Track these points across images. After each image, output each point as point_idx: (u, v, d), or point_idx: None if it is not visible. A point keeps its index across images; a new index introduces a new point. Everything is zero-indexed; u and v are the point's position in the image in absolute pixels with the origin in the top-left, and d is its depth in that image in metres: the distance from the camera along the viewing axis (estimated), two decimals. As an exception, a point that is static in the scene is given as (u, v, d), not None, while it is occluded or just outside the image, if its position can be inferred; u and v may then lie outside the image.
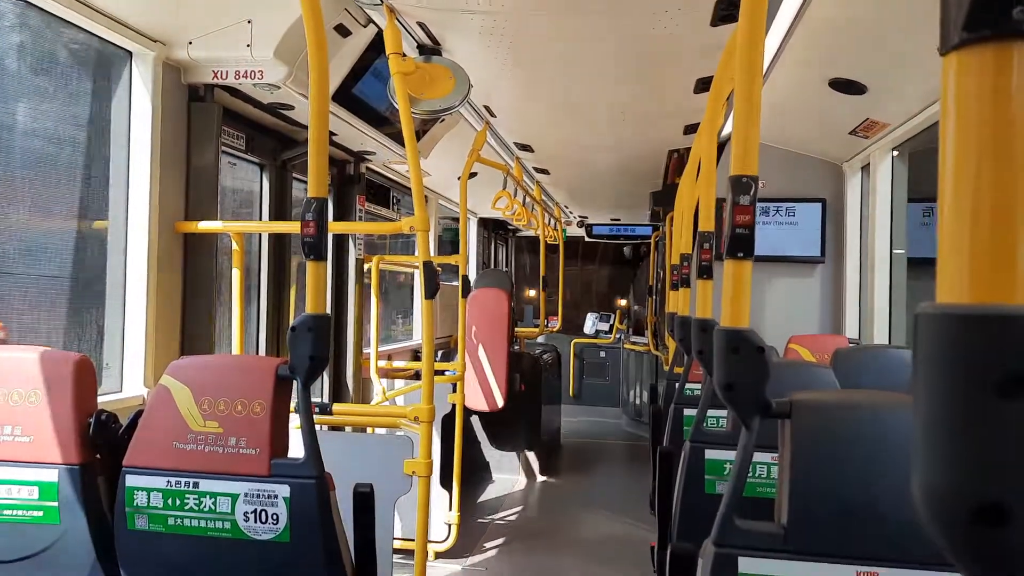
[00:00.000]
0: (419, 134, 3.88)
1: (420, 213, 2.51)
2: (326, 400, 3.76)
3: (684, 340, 3.08)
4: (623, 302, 10.54)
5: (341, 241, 3.96)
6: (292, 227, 3.02)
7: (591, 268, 11.28)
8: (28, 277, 2.50)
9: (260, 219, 3.46)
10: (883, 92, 3.29)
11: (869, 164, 4.15)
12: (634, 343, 8.34)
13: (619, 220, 8.84)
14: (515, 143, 4.75)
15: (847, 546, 1.20)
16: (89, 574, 1.63)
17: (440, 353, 5.51)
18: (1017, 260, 0.41)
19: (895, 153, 3.99)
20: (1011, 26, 0.41)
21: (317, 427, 1.67)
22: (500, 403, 5.06)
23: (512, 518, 4.81)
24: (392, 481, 2.48)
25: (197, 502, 1.57)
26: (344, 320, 3.94)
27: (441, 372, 4.05)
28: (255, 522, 1.55)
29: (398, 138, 3.60)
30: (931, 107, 3.24)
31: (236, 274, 2.88)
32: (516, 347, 6.11)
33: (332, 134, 3.43)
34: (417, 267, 2.69)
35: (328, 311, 1.71)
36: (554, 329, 7.97)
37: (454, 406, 3.98)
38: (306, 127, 1.72)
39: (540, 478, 5.88)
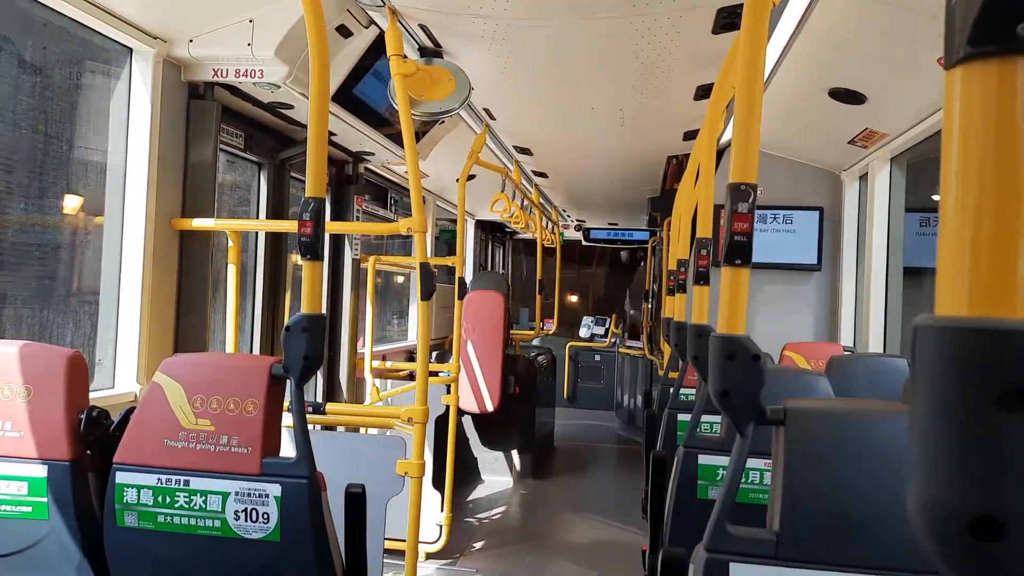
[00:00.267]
0: (418, 135, 3.87)
1: (418, 214, 2.51)
2: (320, 399, 3.76)
3: (680, 345, 3.09)
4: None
5: (338, 241, 3.95)
6: (289, 226, 3.01)
7: (587, 272, 11.29)
8: (21, 271, 2.49)
9: (257, 217, 3.46)
10: (882, 102, 3.31)
11: (867, 173, 4.16)
12: (629, 347, 8.35)
13: (617, 224, 8.84)
14: (514, 146, 4.75)
15: (839, 554, 1.20)
16: (77, 571, 1.62)
17: (435, 354, 5.50)
18: (1018, 274, 0.41)
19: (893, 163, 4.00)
20: (1016, 42, 0.41)
21: (310, 426, 1.67)
22: (494, 405, 5.06)
23: (504, 520, 4.80)
24: (384, 481, 2.47)
25: (187, 500, 1.56)
26: (339, 320, 3.94)
27: (435, 373, 4.05)
28: (246, 521, 1.55)
29: (397, 139, 3.60)
30: (930, 118, 3.25)
31: (232, 272, 2.88)
32: (511, 350, 6.11)
33: (331, 134, 3.42)
34: (414, 268, 2.69)
35: (324, 311, 1.70)
36: (550, 332, 7.97)
37: (448, 407, 3.98)
38: (305, 126, 1.72)
39: (533, 481, 5.88)
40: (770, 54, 2.99)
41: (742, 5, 1.31)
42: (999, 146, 0.42)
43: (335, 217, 3.95)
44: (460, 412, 4.07)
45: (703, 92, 3.31)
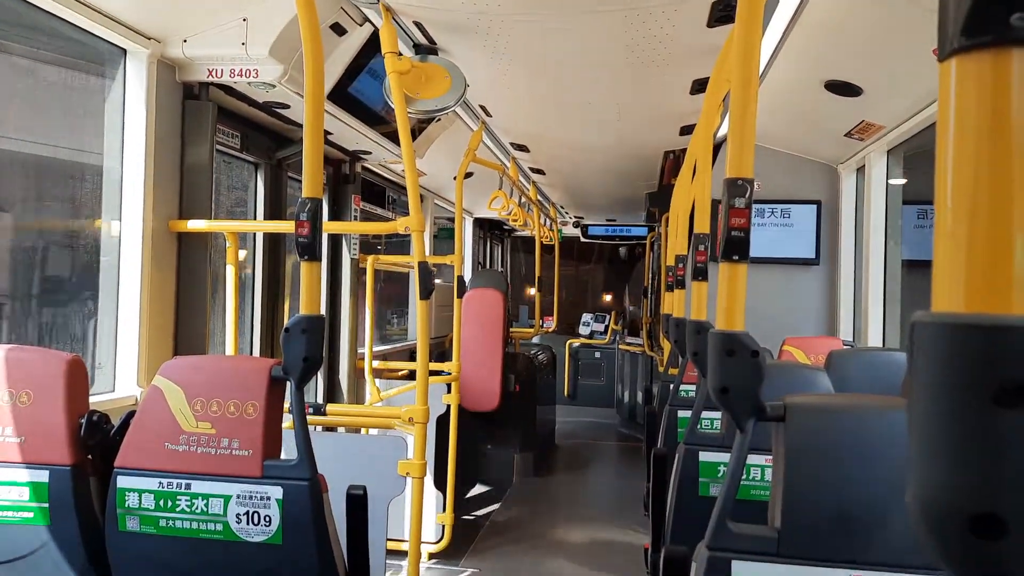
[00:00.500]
0: (415, 133, 3.87)
1: (416, 213, 2.51)
2: (320, 400, 3.76)
3: (679, 342, 3.08)
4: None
5: (336, 241, 3.95)
6: (287, 226, 3.01)
7: (586, 268, 11.28)
8: (20, 275, 2.48)
9: (255, 218, 3.45)
10: (878, 94, 3.30)
11: (864, 166, 4.15)
12: (629, 344, 8.35)
13: (615, 221, 8.84)
14: (511, 143, 4.74)
15: (841, 550, 1.19)
16: None
17: (435, 353, 5.50)
18: (1014, 269, 0.41)
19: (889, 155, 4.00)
20: (1010, 32, 0.41)
21: (311, 428, 1.66)
22: (495, 404, 5.06)
23: (506, 519, 4.80)
24: (386, 482, 2.47)
25: (189, 503, 1.56)
26: (339, 320, 3.93)
27: (436, 372, 4.05)
28: (247, 524, 1.54)
29: (394, 137, 3.59)
30: (926, 109, 3.25)
31: (230, 273, 2.87)
32: (511, 347, 6.11)
33: (327, 133, 3.42)
34: (412, 267, 2.69)
35: (323, 311, 1.70)
36: (549, 330, 7.97)
37: (449, 406, 3.97)
38: (301, 126, 1.72)
39: (534, 479, 5.88)
40: (765, 47, 2.98)
41: None
42: (994, 139, 0.42)
43: (333, 217, 3.94)
44: (461, 411, 4.07)
45: (699, 86, 3.30)
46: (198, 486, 1.56)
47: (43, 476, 1.59)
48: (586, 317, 9.01)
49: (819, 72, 3.25)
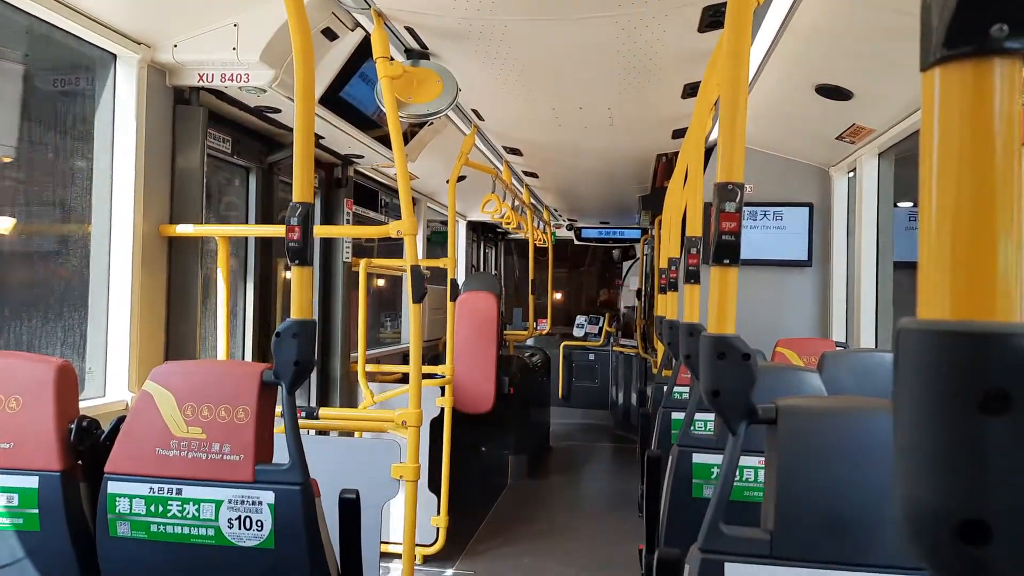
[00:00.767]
0: (407, 137, 3.86)
1: (408, 217, 2.51)
2: (313, 404, 3.75)
3: (672, 344, 3.09)
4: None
5: (329, 244, 3.94)
6: (278, 231, 3.00)
7: (580, 271, 11.29)
8: (9, 281, 2.47)
9: (246, 222, 3.44)
10: (869, 98, 3.32)
11: (855, 169, 4.18)
12: (623, 346, 8.36)
13: (608, 223, 8.85)
14: (504, 147, 4.75)
15: (833, 552, 1.20)
16: None
17: (429, 356, 5.49)
18: (997, 277, 0.41)
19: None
20: (990, 43, 0.41)
21: (304, 432, 1.66)
22: (489, 406, 5.05)
23: (500, 521, 4.80)
24: (379, 485, 2.47)
25: (180, 509, 1.55)
26: (332, 324, 3.92)
27: (430, 375, 4.05)
28: (239, 529, 1.54)
29: (386, 141, 3.59)
30: (916, 113, 3.27)
31: (221, 278, 2.86)
32: (505, 350, 6.11)
33: (319, 137, 3.41)
34: (405, 270, 2.68)
35: (315, 315, 1.70)
36: (543, 332, 7.97)
37: (442, 409, 3.97)
38: (292, 130, 1.72)
39: (528, 481, 5.88)
40: (756, 52, 3.00)
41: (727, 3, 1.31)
42: (976, 147, 0.42)
43: (325, 221, 3.94)
44: (455, 414, 4.07)
45: (691, 90, 3.31)
46: (189, 491, 1.55)
47: (33, 482, 1.59)
48: (580, 319, 9.01)
49: (810, 76, 3.26)
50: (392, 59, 2.55)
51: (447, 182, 4.01)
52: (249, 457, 1.55)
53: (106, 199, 2.54)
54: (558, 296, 10.72)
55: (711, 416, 2.34)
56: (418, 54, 2.89)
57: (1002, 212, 0.41)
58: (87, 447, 1.65)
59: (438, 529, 3.89)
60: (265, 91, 2.66)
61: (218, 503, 1.54)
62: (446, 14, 2.51)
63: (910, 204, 4.15)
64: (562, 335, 8.82)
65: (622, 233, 8.93)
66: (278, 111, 3.00)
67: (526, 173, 5.72)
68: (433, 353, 5.73)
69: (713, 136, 3.98)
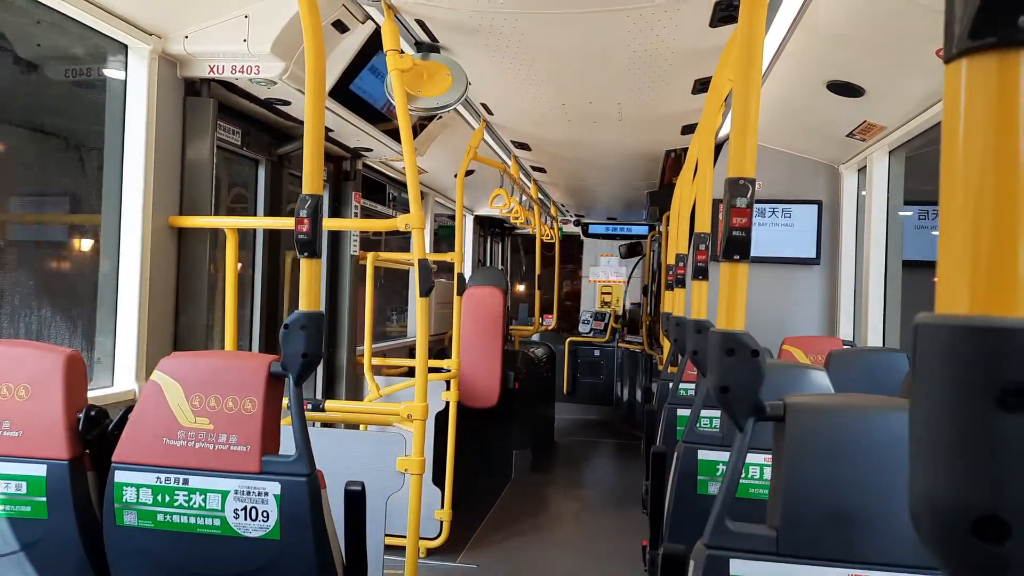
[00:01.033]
0: (416, 131, 3.86)
1: (416, 211, 2.50)
2: (319, 397, 3.75)
3: (679, 341, 3.09)
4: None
5: (337, 237, 3.95)
6: (287, 223, 3.00)
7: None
8: (20, 271, 2.48)
9: (255, 214, 3.45)
10: (881, 95, 3.30)
11: (866, 166, 4.15)
12: (629, 342, 8.35)
13: (615, 219, 8.83)
14: (512, 141, 4.74)
15: (840, 550, 1.19)
16: (77, 570, 1.62)
17: (435, 350, 5.49)
18: (1018, 271, 0.41)
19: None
20: (1017, 34, 0.40)
21: (310, 424, 1.67)
22: (494, 401, 5.06)
23: (504, 515, 4.81)
24: (384, 478, 2.47)
25: (187, 499, 1.56)
26: (339, 317, 3.93)
27: (436, 370, 4.05)
28: (245, 519, 1.54)
29: (395, 135, 3.59)
30: (929, 110, 3.24)
31: (230, 269, 2.87)
32: (511, 345, 6.10)
33: (328, 130, 3.41)
34: (412, 264, 2.68)
35: (323, 308, 1.70)
36: (549, 327, 7.96)
37: (448, 403, 3.98)
38: (302, 123, 1.72)
39: (533, 476, 5.88)
40: (768, 47, 2.98)
41: None
42: (999, 141, 0.41)
43: (333, 214, 3.94)
44: (460, 408, 4.07)
45: (701, 86, 3.30)
46: (196, 481, 1.56)
47: (41, 470, 1.60)
48: (586, 315, 9.00)
49: (821, 73, 3.24)
50: (402, 52, 2.55)
51: (455, 176, 4.01)
52: (256, 448, 1.55)
53: (116, 190, 2.54)
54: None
55: (717, 413, 2.33)
56: (428, 47, 2.88)
57: None
58: (95, 436, 1.65)
59: (442, 522, 3.90)
60: (275, 83, 2.66)
61: (224, 493, 1.55)
62: (457, 7, 2.50)
63: (910, 213, 4.12)
64: (564, 330, 8.81)
65: (629, 229, 8.90)
66: (288, 103, 3.00)
67: (534, 168, 5.71)
68: (439, 347, 5.74)
69: (723, 132, 3.96)
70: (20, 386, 1.62)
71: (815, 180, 4.63)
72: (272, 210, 3.44)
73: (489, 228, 8.60)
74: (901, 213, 4.07)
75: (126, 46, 2.51)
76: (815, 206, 4.63)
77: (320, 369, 3.87)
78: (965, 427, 0.41)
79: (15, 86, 2.51)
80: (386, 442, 2.60)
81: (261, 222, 3.32)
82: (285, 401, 1.64)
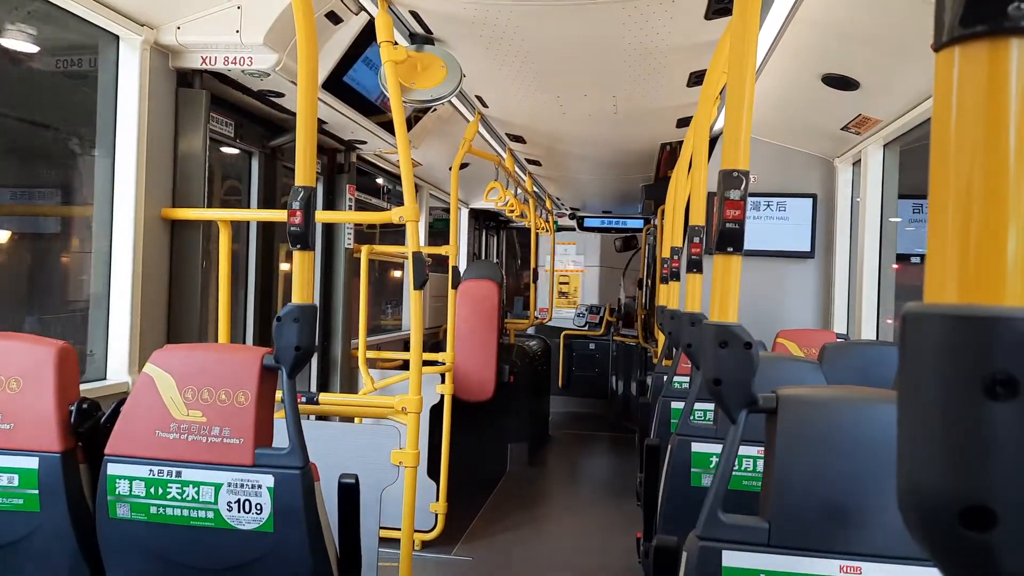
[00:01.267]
0: (410, 123, 3.85)
1: (410, 203, 2.50)
2: (313, 390, 3.75)
3: (673, 333, 3.09)
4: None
5: (331, 230, 3.94)
6: (281, 215, 2.99)
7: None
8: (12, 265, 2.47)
9: (249, 207, 3.43)
10: (876, 88, 3.30)
11: (860, 160, 4.15)
12: (624, 335, 8.36)
13: (611, 212, 8.83)
14: (507, 134, 4.73)
15: (831, 541, 1.20)
16: (70, 562, 1.62)
17: (430, 343, 5.49)
18: (1006, 260, 0.41)
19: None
20: (1008, 22, 0.40)
21: (304, 417, 1.66)
22: (489, 394, 5.07)
23: (499, 508, 4.82)
24: (379, 471, 2.47)
25: (180, 491, 1.55)
26: (333, 310, 3.92)
27: (430, 363, 4.05)
28: (238, 512, 1.54)
29: (389, 127, 3.57)
30: (924, 103, 3.25)
31: (223, 262, 2.86)
32: (506, 338, 6.10)
33: (322, 122, 3.40)
34: (407, 257, 2.68)
35: (317, 300, 1.70)
36: (544, 321, 7.97)
37: (443, 396, 3.98)
38: (296, 114, 1.71)
39: (528, 468, 5.90)
40: (763, 40, 2.97)
41: None
42: (989, 129, 0.41)
43: (327, 206, 3.93)
44: (455, 401, 4.07)
45: (696, 79, 3.29)
46: (189, 474, 1.55)
47: (33, 463, 1.59)
48: (581, 308, 9.01)
49: (816, 66, 3.24)
50: (396, 44, 2.54)
51: (450, 169, 4.00)
52: (249, 441, 1.55)
53: (108, 182, 2.53)
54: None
55: (711, 405, 2.34)
56: (422, 39, 2.87)
57: (1014, 194, 0.41)
58: (87, 429, 1.65)
59: (437, 515, 3.91)
60: (268, 75, 2.65)
61: (217, 486, 1.55)
62: (451, -2, 2.49)
63: (898, 219, 4.13)
64: (561, 323, 8.82)
65: (624, 223, 8.90)
66: (281, 95, 2.99)
67: (529, 161, 5.70)
68: (434, 340, 5.74)
69: (719, 125, 3.96)
70: (12, 379, 1.61)
71: (810, 173, 4.63)
72: (266, 202, 3.43)
73: (484, 221, 8.59)
74: (893, 219, 4.09)
75: (118, 37, 2.49)
76: (810, 199, 4.63)
77: (314, 362, 3.87)
78: (952, 417, 0.41)
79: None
80: (380, 435, 2.60)
81: (254, 214, 3.31)
82: (279, 394, 1.64)
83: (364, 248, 4.00)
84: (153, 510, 1.56)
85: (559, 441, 7.12)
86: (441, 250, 4.19)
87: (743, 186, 1.28)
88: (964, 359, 0.41)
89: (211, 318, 3.07)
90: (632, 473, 5.46)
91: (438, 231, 6.90)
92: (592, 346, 8.81)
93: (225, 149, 3.33)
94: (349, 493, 1.68)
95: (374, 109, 3.45)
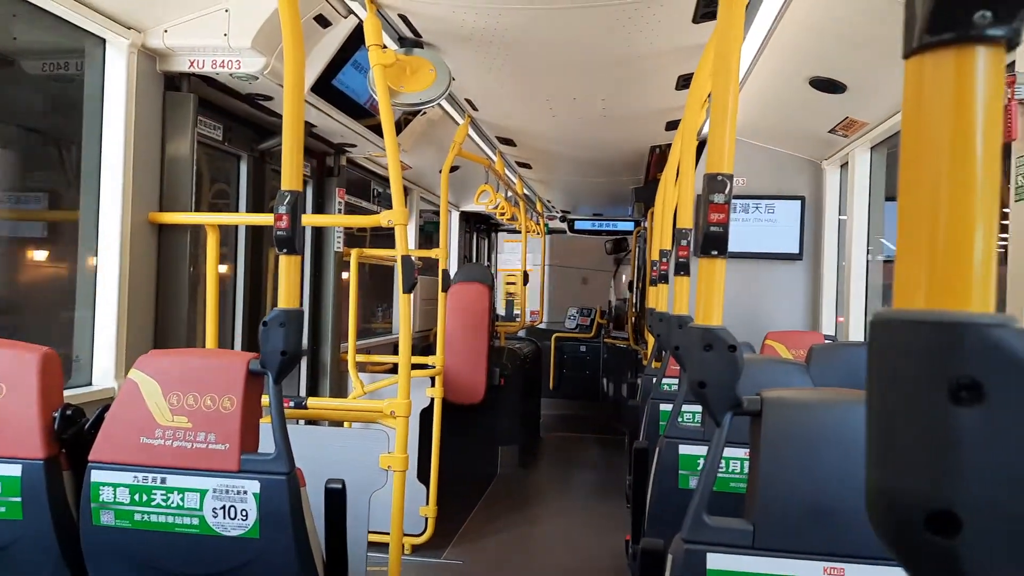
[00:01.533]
0: (400, 126, 3.85)
1: (399, 207, 2.49)
2: (303, 394, 3.74)
3: (662, 336, 3.10)
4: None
5: (321, 234, 3.92)
6: (269, 219, 2.98)
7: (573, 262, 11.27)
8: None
9: (237, 211, 3.42)
10: (863, 91, 3.32)
11: (848, 162, 4.18)
12: (615, 338, 8.37)
13: (601, 215, 8.85)
14: (497, 137, 4.73)
15: (815, 543, 1.20)
16: (53, 570, 1.60)
17: (420, 347, 5.48)
18: (972, 267, 0.41)
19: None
20: (973, 30, 0.41)
21: (293, 421, 1.66)
22: (479, 397, 5.06)
23: (490, 511, 4.81)
24: (367, 476, 2.46)
25: (165, 498, 1.54)
26: (322, 314, 3.91)
27: (421, 366, 4.03)
28: (224, 518, 1.53)
29: (379, 130, 3.57)
30: (909, 107, 3.27)
31: (211, 266, 2.84)
32: (496, 341, 6.10)
33: (312, 126, 3.39)
34: (396, 260, 2.68)
35: (306, 304, 1.69)
36: (535, 323, 7.97)
37: (432, 400, 3.97)
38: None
39: (518, 471, 5.89)
40: (750, 44, 2.99)
41: None
42: (955, 137, 0.42)
43: (317, 210, 3.92)
44: (445, 404, 4.07)
45: (684, 82, 3.30)
46: (174, 480, 1.54)
47: (15, 470, 1.58)
48: (571, 311, 9.02)
49: (803, 69, 3.26)
50: (385, 47, 2.53)
51: (440, 172, 3.99)
52: (234, 446, 1.54)
53: (94, 186, 2.51)
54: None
55: (699, 408, 2.35)
56: (411, 42, 2.87)
57: (981, 202, 0.41)
58: (71, 435, 1.63)
59: (427, 519, 3.90)
60: (257, 78, 2.64)
61: (203, 492, 1.54)
62: (440, 2, 2.49)
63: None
64: (550, 326, 8.83)
65: (615, 225, 8.92)
66: (270, 99, 2.98)
67: (519, 164, 5.71)
68: (424, 344, 5.73)
69: (707, 128, 3.97)
70: None
71: (798, 176, 4.66)
72: (254, 206, 3.41)
73: (475, 224, 8.59)
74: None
75: (104, 40, 2.48)
76: (798, 202, 4.66)
77: (304, 366, 3.85)
78: (918, 421, 0.41)
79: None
80: (369, 439, 2.59)
81: (242, 218, 3.30)
82: (266, 399, 1.63)
83: (354, 251, 3.99)
84: (137, 517, 1.55)
85: (550, 444, 7.12)
86: (431, 253, 4.19)
87: (727, 190, 1.28)
88: (930, 364, 0.41)
89: (199, 323, 3.05)
90: (622, 475, 5.47)
91: (428, 234, 6.90)
92: (583, 348, 8.81)
93: (213, 152, 3.31)
94: (336, 498, 1.67)
95: (363, 112, 3.45)
